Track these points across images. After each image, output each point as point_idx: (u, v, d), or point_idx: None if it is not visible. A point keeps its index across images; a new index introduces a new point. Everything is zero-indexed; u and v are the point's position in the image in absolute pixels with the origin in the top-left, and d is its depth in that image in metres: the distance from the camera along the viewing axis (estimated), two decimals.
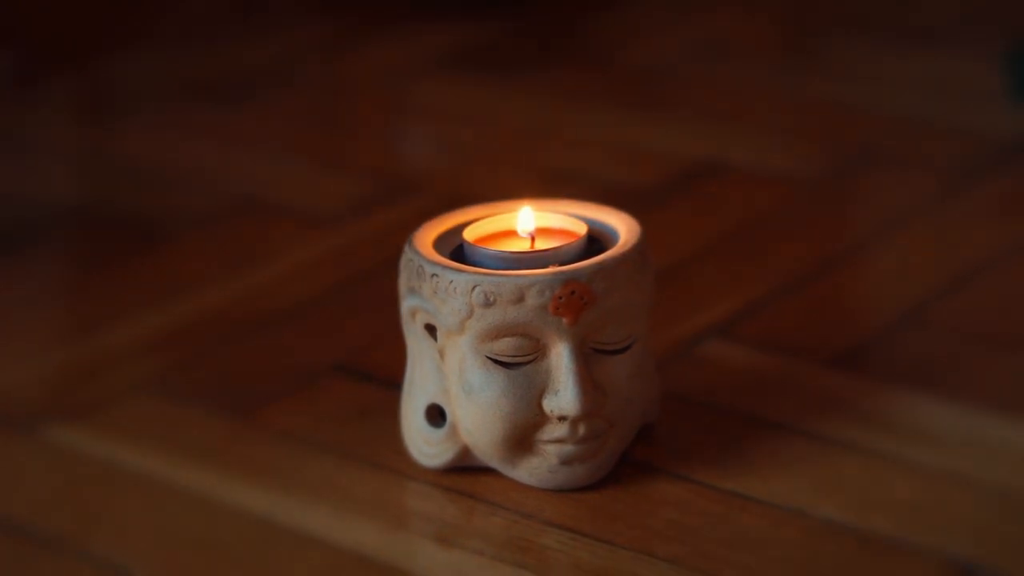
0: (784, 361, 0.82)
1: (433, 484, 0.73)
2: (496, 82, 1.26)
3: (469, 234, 0.72)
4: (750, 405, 0.77)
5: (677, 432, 0.75)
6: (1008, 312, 0.87)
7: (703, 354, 0.83)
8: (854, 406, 0.77)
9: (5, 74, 1.32)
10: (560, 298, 0.68)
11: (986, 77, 1.16)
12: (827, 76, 1.23)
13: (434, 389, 0.72)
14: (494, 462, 0.72)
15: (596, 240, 0.72)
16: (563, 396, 0.69)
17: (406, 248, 0.72)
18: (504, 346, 0.69)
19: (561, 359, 0.69)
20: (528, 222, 0.73)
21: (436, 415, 0.73)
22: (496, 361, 0.69)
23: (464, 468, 0.73)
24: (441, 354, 0.71)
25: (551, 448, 0.70)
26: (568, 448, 0.70)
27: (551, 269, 0.69)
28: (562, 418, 0.69)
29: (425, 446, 0.73)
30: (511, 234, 0.73)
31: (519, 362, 0.69)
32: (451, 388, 0.71)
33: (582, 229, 0.72)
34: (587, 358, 0.69)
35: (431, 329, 0.71)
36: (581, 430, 0.69)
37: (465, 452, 0.72)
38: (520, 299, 0.68)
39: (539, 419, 0.69)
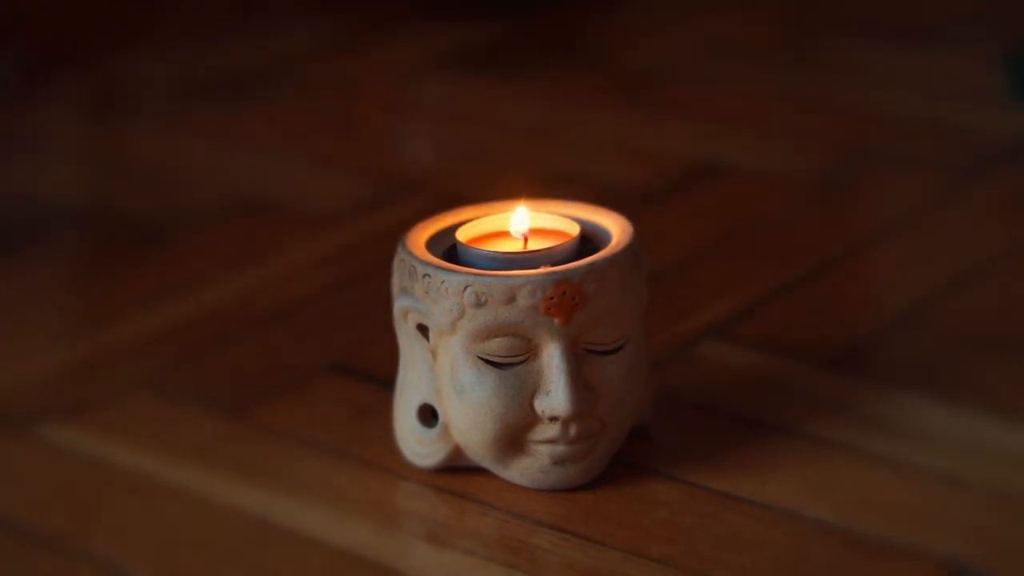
0: (781, 362, 0.82)
1: (425, 484, 0.73)
2: (496, 82, 1.26)
3: (462, 234, 0.72)
4: (745, 406, 0.77)
5: (670, 432, 0.75)
6: (1007, 313, 0.86)
7: (701, 354, 0.83)
8: (850, 407, 0.77)
9: (6, 74, 1.32)
10: (552, 298, 0.68)
11: (986, 77, 1.16)
12: (827, 76, 1.23)
13: (426, 389, 0.72)
14: (486, 462, 0.72)
15: (589, 241, 0.72)
16: (554, 396, 0.69)
17: (399, 248, 0.72)
18: (496, 346, 0.69)
19: (552, 359, 0.69)
20: (521, 223, 0.73)
21: (428, 415, 0.72)
22: (488, 361, 0.69)
23: (456, 468, 0.73)
24: (433, 354, 0.71)
25: (543, 448, 0.70)
26: (560, 448, 0.70)
27: (543, 270, 0.69)
28: (553, 418, 0.69)
29: (417, 446, 0.73)
30: (504, 235, 0.73)
31: (511, 362, 0.69)
32: (443, 388, 0.71)
33: (575, 230, 0.72)
34: (579, 358, 0.69)
35: (423, 329, 0.71)
36: (573, 430, 0.69)
37: (457, 452, 0.72)
38: (511, 299, 0.68)
39: (531, 419, 0.69)
